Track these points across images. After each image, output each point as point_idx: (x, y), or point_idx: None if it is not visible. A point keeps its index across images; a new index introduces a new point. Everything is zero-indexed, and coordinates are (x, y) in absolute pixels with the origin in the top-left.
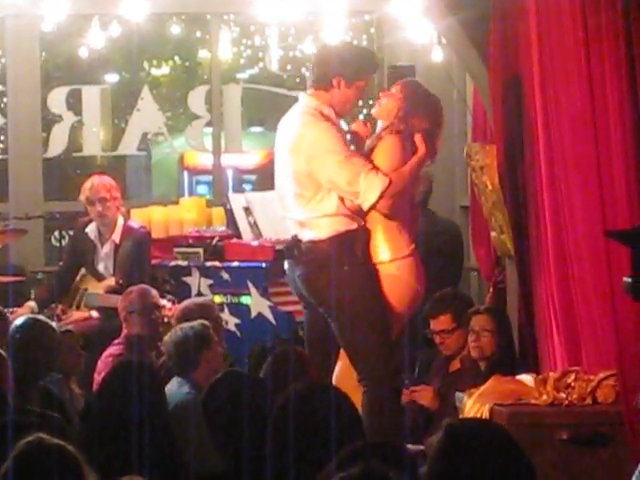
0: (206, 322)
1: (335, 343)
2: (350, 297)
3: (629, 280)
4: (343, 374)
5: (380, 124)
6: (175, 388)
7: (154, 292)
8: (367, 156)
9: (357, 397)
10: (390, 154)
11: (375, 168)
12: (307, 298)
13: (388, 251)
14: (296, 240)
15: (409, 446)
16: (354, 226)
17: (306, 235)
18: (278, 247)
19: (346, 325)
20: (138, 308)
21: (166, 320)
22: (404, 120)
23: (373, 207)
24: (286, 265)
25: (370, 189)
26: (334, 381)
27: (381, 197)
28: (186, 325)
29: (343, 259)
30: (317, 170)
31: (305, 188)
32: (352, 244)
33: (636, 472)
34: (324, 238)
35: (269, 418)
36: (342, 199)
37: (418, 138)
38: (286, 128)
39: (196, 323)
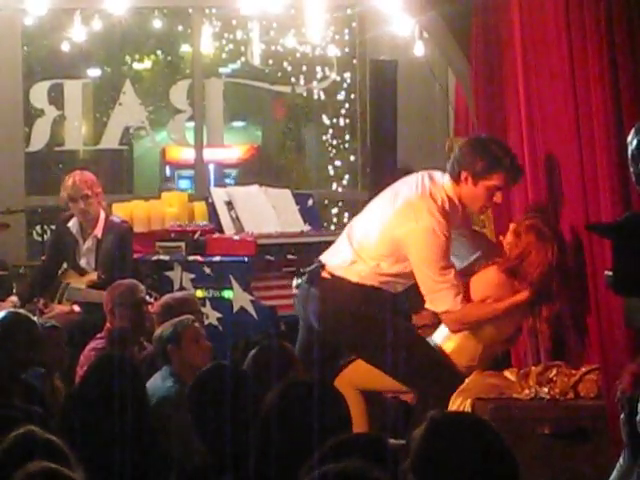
0: (188, 317)
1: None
2: (362, 341)
3: (610, 274)
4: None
5: None
6: (158, 381)
7: (142, 287)
8: (468, 270)
9: (351, 396)
10: (484, 287)
11: (457, 287)
12: (310, 323)
13: (449, 351)
14: (322, 266)
15: (391, 440)
16: (386, 287)
17: (337, 268)
18: (260, 241)
19: (368, 360)
20: (127, 302)
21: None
22: (515, 262)
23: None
24: (296, 283)
25: (439, 301)
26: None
27: (445, 314)
28: (171, 321)
29: (359, 305)
30: (408, 251)
31: (382, 242)
32: (371, 299)
33: (617, 466)
34: (352, 281)
35: (254, 412)
36: (399, 274)
37: (525, 285)
38: (412, 186)
39: (177, 319)
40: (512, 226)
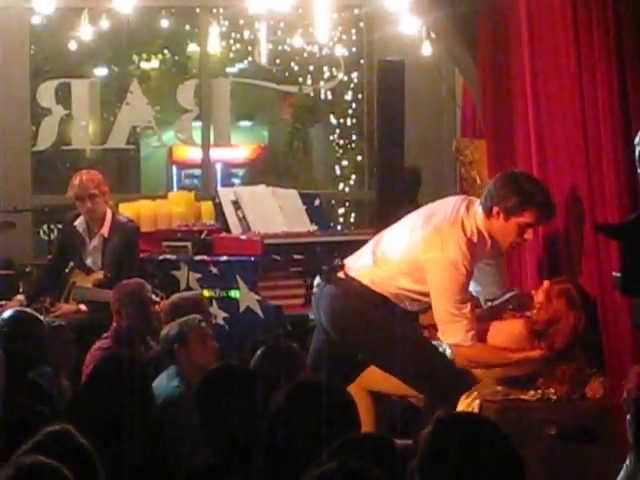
0: (195, 317)
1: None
2: (367, 342)
3: (617, 275)
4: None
5: None
6: (164, 381)
7: (149, 287)
8: (494, 313)
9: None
10: (505, 338)
11: (471, 322)
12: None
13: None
14: (340, 266)
15: (397, 441)
16: (394, 300)
17: (352, 270)
18: (266, 241)
19: (373, 361)
20: (134, 301)
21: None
22: (542, 328)
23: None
24: (316, 282)
25: (450, 333)
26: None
27: (454, 347)
28: (177, 320)
29: (366, 306)
30: (428, 277)
31: (405, 261)
32: (378, 302)
33: (624, 467)
34: (363, 283)
35: (261, 412)
36: (419, 292)
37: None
38: (447, 211)
39: (184, 319)
40: (545, 284)
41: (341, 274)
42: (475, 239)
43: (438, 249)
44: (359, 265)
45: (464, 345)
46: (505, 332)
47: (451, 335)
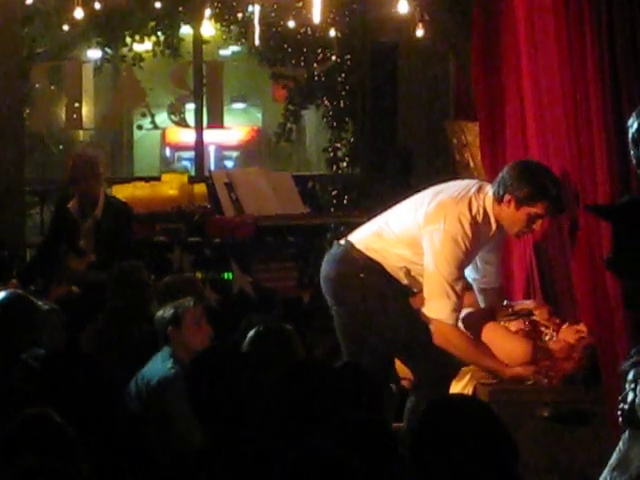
0: (190, 300)
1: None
2: (364, 307)
3: (609, 256)
4: None
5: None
6: (158, 363)
7: (145, 269)
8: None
9: None
10: (509, 354)
11: (459, 303)
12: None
13: None
14: (345, 234)
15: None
16: (389, 270)
17: (352, 236)
18: (259, 223)
19: (367, 331)
20: (129, 282)
21: None
22: (559, 378)
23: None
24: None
25: (435, 307)
26: None
27: (436, 322)
28: (172, 303)
29: (355, 271)
30: (425, 248)
31: (408, 232)
32: (369, 268)
33: (616, 449)
34: (357, 247)
35: (253, 393)
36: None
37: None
38: (457, 189)
39: (178, 301)
40: (581, 329)
41: (342, 241)
42: (479, 219)
43: (440, 222)
44: (360, 233)
45: (447, 323)
46: (507, 346)
47: (436, 310)
